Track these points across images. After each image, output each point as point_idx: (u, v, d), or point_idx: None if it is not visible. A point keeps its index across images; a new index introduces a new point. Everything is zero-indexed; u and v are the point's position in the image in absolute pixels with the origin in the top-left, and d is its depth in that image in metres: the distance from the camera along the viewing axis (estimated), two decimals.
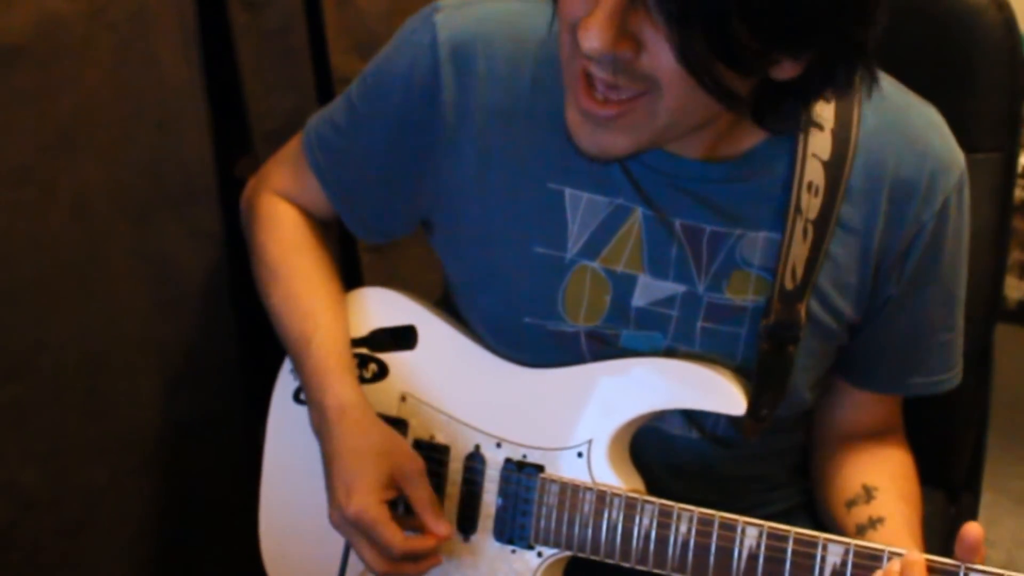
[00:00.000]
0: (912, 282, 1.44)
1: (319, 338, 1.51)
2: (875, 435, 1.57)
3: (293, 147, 1.60)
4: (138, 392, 1.67)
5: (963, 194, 1.44)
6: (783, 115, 1.31)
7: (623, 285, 1.42)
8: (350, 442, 1.44)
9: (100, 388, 1.61)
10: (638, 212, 1.40)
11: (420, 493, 1.44)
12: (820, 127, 1.38)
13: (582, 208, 1.42)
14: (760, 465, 1.58)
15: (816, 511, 1.61)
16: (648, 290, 1.42)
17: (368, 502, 1.41)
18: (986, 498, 1.64)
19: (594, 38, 1.15)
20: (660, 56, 1.16)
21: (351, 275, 1.88)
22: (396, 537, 1.41)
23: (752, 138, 1.38)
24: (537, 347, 1.47)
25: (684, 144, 1.36)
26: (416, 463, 1.45)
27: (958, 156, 1.43)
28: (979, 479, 1.68)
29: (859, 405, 1.57)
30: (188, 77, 1.64)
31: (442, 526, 1.44)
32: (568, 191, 1.42)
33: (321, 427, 1.47)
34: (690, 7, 1.11)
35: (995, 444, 1.73)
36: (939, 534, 1.62)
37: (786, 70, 1.21)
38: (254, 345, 1.66)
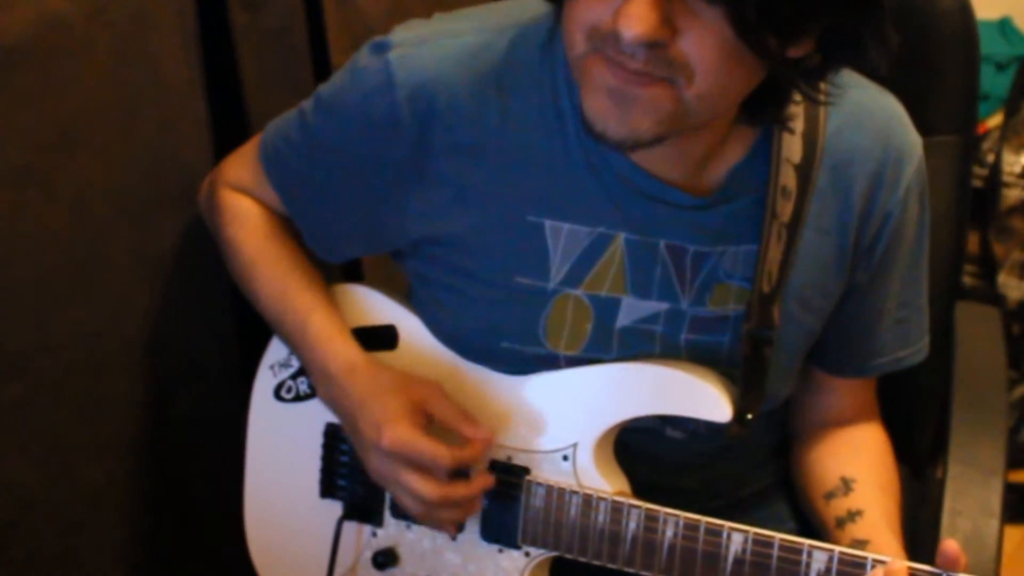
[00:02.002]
0: (877, 269, 1.34)
1: (319, 312, 1.36)
2: (852, 422, 1.45)
3: (251, 149, 1.43)
4: (138, 392, 1.53)
5: (922, 179, 1.34)
6: (779, 104, 1.19)
7: (606, 309, 1.29)
8: (366, 389, 1.29)
9: (100, 388, 1.48)
10: (620, 238, 1.26)
11: (447, 409, 1.29)
12: (791, 131, 1.25)
13: (563, 239, 1.27)
14: (742, 453, 1.43)
15: (791, 490, 1.48)
16: (632, 310, 1.29)
17: (399, 429, 1.24)
18: (954, 470, 1.47)
19: (636, 24, 1.02)
20: (697, 40, 1.05)
21: (352, 275, 1.74)
22: (440, 448, 1.24)
23: (732, 157, 1.25)
24: (512, 366, 1.32)
25: (670, 166, 1.23)
26: (433, 386, 1.30)
27: (917, 143, 1.33)
28: (945, 455, 1.50)
29: (833, 392, 1.44)
30: (188, 77, 1.50)
31: (481, 430, 1.27)
32: (548, 223, 1.26)
33: (334, 393, 1.33)
34: None
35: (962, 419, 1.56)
36: (905, 508, 1.47)
37: (801, 47, 1.10)
38: (254, 345, 1.50)
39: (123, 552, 1.55)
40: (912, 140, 1.32)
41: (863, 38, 1.09)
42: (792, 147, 1.25)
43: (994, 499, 1.42)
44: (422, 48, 1.24)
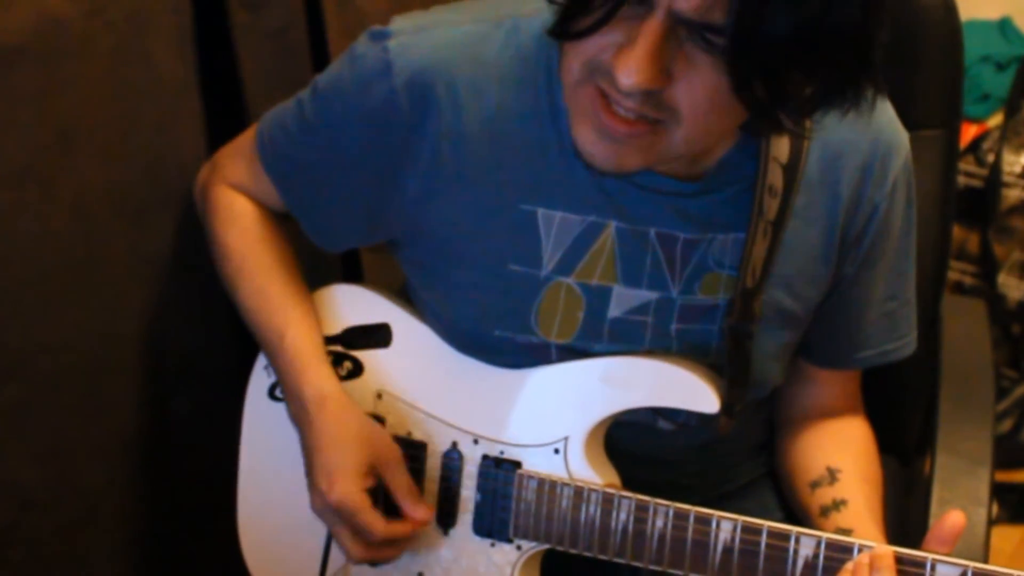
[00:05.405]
0: (864, 261, 1.32)
1: (292, 332, 1.35)
2: (837, 413, 1.44)
3: (247, 141, 1.41)
4: (138, 392, 1.52)
5: (909, 172, 1.33)
6: (772, 125, 1.16)
7: (598, 298, 1.28)
8: (331, 431, 1.30)
9: (99, 388, 1.46)
10: (611, 227, 1.25)
11: (399, 480, 1.31)
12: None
13: (555, 227, 1.26)
14: (731, 447, 1.44)
15: (778, 482, 1.48)
16: (622, 300, 1.27)
17: (350, 489, 1.28)
18: (942, 460, 1.49)
19: (634, 74, 1.02)
20: (689, 88, 1.05)
21: (353, 275, 1.72)
22: (378, 523, 1.28)
23: (722, 148, 1.24)
24: (505, 355, 1.32)
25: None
26: (394, 451, 1.32)
27: (904, 137, 1.32)
28: (933, 445, 1.52)
29: (819, 383, 1.44)
30: (184, 76, 1.48)
31: (420, 511, 1.30)
32: (541, 211, 1.25)
33: (301, 418, 1.33)
34: (746, 44, 1.00)
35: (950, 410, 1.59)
36: (894, 498, 1.50)
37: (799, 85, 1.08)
38: (254, 345, 1.48)
39: (122, 551, 1.54)
40: (900, 135, 1.31)
41: (856, 84, 1.09)
42: (781, 147, 1.24)
43: (982, 488, 1.43)
44: (420, 35, 1.23)
